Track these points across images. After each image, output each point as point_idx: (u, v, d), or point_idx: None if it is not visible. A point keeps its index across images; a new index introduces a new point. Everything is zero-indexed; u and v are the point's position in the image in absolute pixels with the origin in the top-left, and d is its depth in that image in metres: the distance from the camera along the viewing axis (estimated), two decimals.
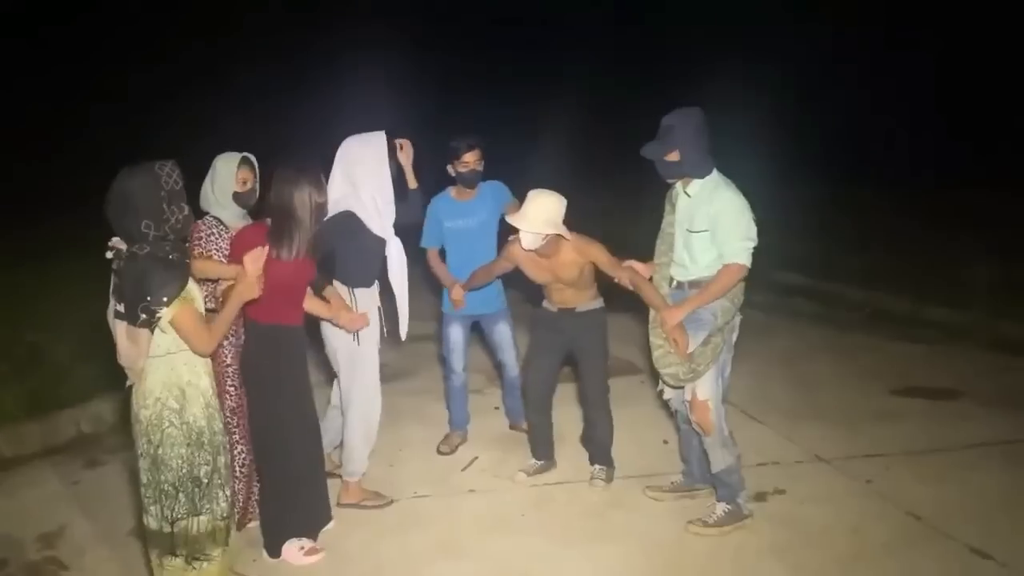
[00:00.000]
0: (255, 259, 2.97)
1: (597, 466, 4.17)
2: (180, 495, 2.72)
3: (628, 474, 4.19)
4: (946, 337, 6.41)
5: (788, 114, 13.46)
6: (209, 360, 2.84)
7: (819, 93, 15.39)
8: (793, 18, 16.24)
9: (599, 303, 4.07)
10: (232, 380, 3.56)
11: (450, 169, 4.29)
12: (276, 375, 3.37)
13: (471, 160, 4.22)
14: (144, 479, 2.74)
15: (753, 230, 3.45)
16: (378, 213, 3.70)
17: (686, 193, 3.55)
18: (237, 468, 3.63)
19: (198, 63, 16.35)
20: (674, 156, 3.46)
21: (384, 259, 3.81)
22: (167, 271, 2.57)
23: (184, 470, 2.71)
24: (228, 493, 2.86)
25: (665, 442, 4.58)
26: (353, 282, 3.75)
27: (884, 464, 4.25)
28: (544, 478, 4.23)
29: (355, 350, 3.73)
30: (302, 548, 3.45)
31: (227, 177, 3.49)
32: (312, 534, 3.53)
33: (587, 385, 4.17)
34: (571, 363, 4.28)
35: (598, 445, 4.19)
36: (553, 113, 13.90)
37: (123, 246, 2.61)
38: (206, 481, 2.75)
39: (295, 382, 3.45)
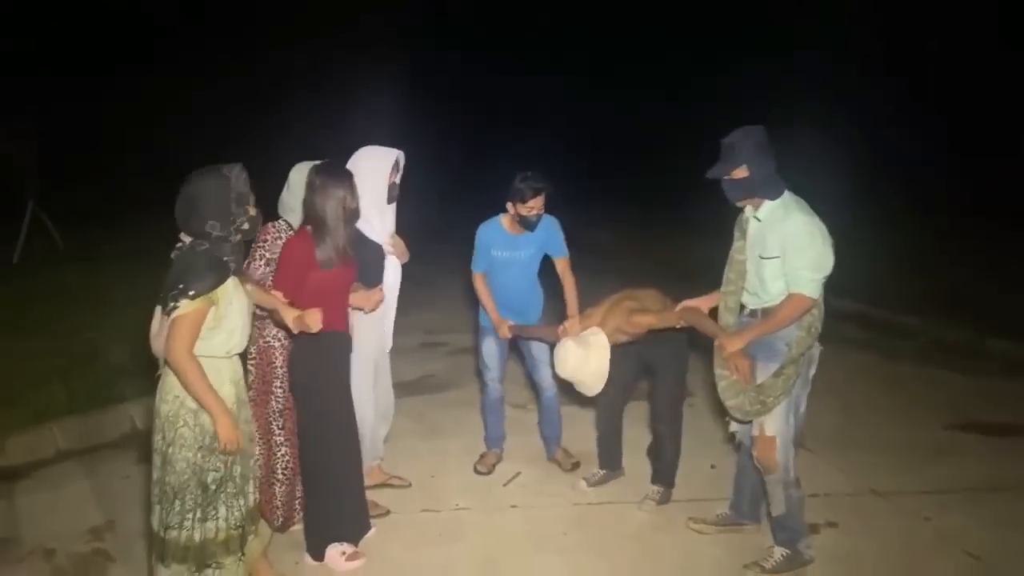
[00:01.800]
0: (316, 321, 3.08)
1: (656, 486, 4.10)
2: (177, 502, 2.70)
3: (674, 499, 4.11)
4: (1005, 370, 6.20)
5: (826, 134, 13.28)
6: (236, 369, 2.84)
7: (859, 110, 15.18)
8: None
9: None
10: (281, 382, 3.59)
11: (510, 208, 4.17)
12: (324, 380, 3.40)
13: (536, 205, 4.10)
14: (154, 476, 2.75)
15: (826, 259, 3.21)
16: (379, 220, 3.77)
17: (756, 217, 3.35)
18: (280, 471, 3.66)
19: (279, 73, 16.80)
20: (741, 172, 3.27)
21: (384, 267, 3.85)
22: (211, 269, 2.60)
23: (187, 475, 2.69)
24: (243, 502, 2.82)
25: (713, 467, 4.49)
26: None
27: (940, 501, 4.10)
28: (588, 497, 4.18)
29: None
30: (344, 553, 3.46)
31: (299, 185, 3.53)
32: (354, 540, 3.54)
33: (658, 399, 4.15)
34: (649, 374, 4.22)
35: (664, 463, 4.13)
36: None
37: (187, 240, 2.67)
38: (213, 488, 2.73)
39: (341, 388, 3.49)
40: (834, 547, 3.68)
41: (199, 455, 2.68)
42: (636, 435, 4.68)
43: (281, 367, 3.58)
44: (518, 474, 4.43)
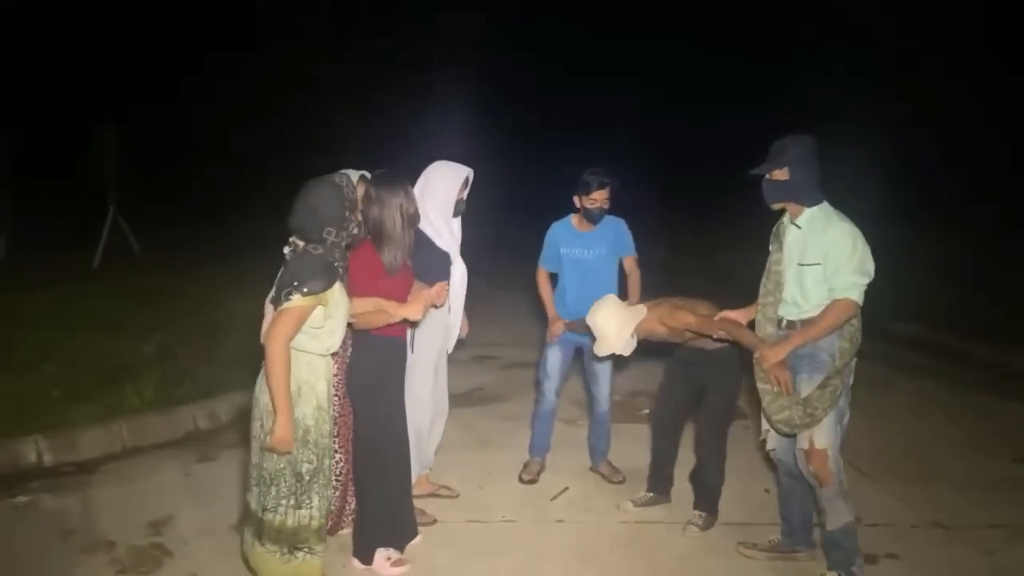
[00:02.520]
0: (417, 310, 3.28)
1: (698, 512, 4.01)
2: (273, 488, 2.85)
3: (725, 521, 4.03)
4: None
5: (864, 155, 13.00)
6: (331, 367, 3.00)
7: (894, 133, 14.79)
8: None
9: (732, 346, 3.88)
10: (336, 390, 3.65)
11: (576, 201, 4.35)
12: (384, 385, 3.48)
13: (599, 198, 4.26)
14: (252, 460, 2.91)
15: (869, 265, 3.25)
16: (447, 231, 3.87)
17: (795, 225, 3.38)
18: (333, 476, 3.73)
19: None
20: (782, 175, 3.31)
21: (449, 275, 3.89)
22: (324, 272, 2.77)
23: (283, 464, 2.84)
24: (329, 494, 3.00)
25: (767, 491, 4.39)
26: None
27: (1007, 535, 3.94)
28: (639, 515, 4.13)
29: (410, 357, 3.76)
30: (389, 559, 3.50)
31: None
32: (400, 546, 3.58)
33: (702, 424, 4.07)
34: (699, 399, 4.13)
35: (704, 488, 4.04)
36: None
37: (301, 243, 2.84)
38: (308, 478, 2.88)
39: (397, 393, 3.55)
40: None
41: (294, 447, 2.82)
42: (684, 457, 4.64)
43: (336, 374, 3.63)
44: (566, 489, 4.42)
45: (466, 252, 4.06)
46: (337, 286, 2.84)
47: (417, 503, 3.81)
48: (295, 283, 2.71)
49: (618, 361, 4.46)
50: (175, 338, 6.24)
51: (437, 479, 4.30)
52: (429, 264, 3.72)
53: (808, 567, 3.61)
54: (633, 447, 4.79)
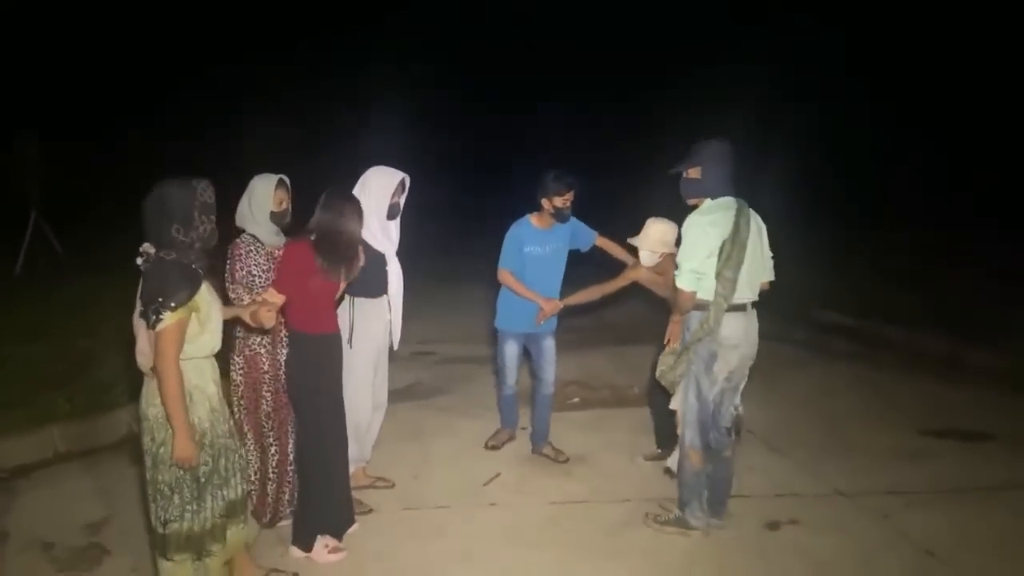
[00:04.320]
0: (270, 318, 3.28)
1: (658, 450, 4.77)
2: (175, 496, 2.87)
3: (647, 496, 4.29)
4: (986, 380, 6.33)
5: (793, 153, 13.68)
6: (216, 368, 2.99)
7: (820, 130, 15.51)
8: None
9: None
10: (269, 386, 3.76)
11: (545, 203, 4.55)
12: (319, 380, 3.58)
13: (569, 198, 4.54)
14: (147, 476, 2.90)
15: (694, 257, 3.60)
16: (382, 233, 4.01)
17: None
18: (270, 469, 3.84)
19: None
20: (695, 173, 3.70)
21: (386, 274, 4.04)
22: (185, 279, 2.75)
23: (181, 471, 2.85)
24: (226, 493, 2.98)
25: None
26: (353, 291, 3.94)
27: (905, 501, 4.26)
28: (565, 496, 4.34)
29: (350, 354, 3.89)
30: (327, 546, 3.63)
31: (265, 197, 3.69)
32: (338, 534, 3.71)
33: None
34: None
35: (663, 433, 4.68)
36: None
37: (152, 251, 2.81)
38: (203, 480, 2.90)
39: (335, 386, 3.67)
40: (793, 542, 3.85)
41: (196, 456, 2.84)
42: (625, 440, 4.99)
43: (268, 372, 3.76)
44: (498, 475, 4.60)
45: (410, 250, 4.21)
46: (204, 287, 2.83)
47: (355, 494, 3.94)
48: (160, 299, 2.69)
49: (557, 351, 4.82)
50: (102, 342, 6.19)
51: (373, 471, 4.43)
52: (366, 266, 3.81)
53: (719, 540, 3.88)
54: (570, 433, 5.09)
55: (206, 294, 2.84)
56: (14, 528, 3.89)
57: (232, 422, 3.12)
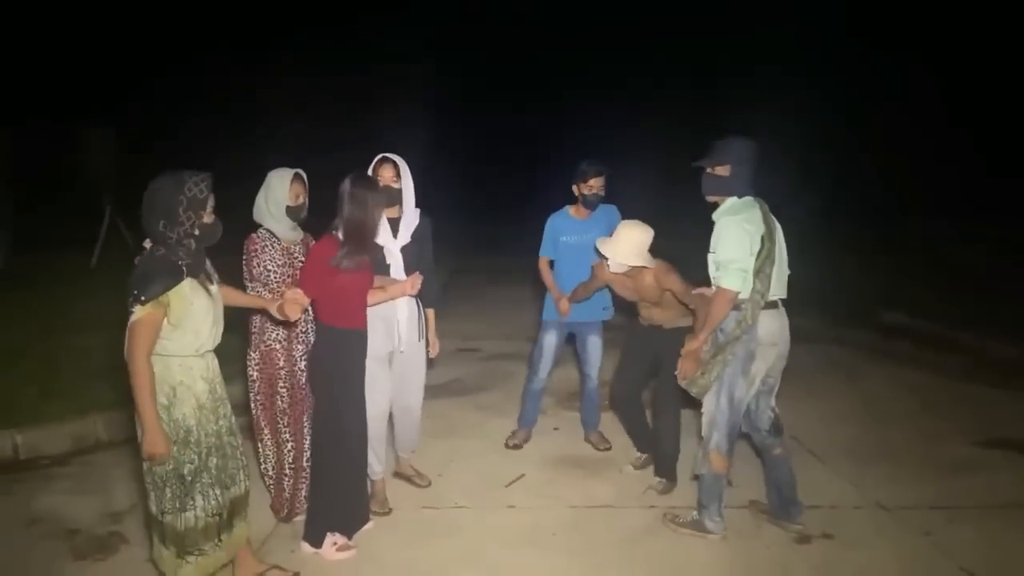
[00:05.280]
0: (296, 310, 3.27)
1: (658, 479, 4.36)
2: (167, 489, 2.87)
3: (674, 504, 4.15)
4: None
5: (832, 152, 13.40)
6: (208, 365, 2.96)
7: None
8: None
9: (686, 322, 4.14)
10: (284, 382, 3.78)
11: (575, 189, 4.64)
12: (342, 375, 3.57)
13: (596, 185, 4.57)
14: (144, 467, 2.90)
15: (741, 254, 3.46)
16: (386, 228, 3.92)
17: (712, 218, 3.65)
18: (286, 465, 3.87)
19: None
20: (723, 171, 3.58)
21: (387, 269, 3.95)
22: (162, 274, 2.71)
23: (170, 466, 2.84)
24: (220, 491, 2.96)
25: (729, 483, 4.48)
26: None
27: (948, 516, 4.00)
28: (586, 500, 4.24)
29: None
30: (335, 544, 3.62)
31: (281, 191, 3.70)
32: (349, 532, 3.70)
33: (661, 395, 4.34)
34: (654, 375, 4.42)
35: (662, 456, 4.36)
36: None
37: (147, 245, 2.82)
38: (190, 479, 2.87)
39: (356, 383, 3.65)
40: (822, 558, 3.65)
41: (175, 448, 2.84)
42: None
43: (283, 368, 3.78)
44: (522, 476, 4.53)
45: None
46: (187, 284, 2.78)
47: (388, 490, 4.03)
48: (135, 291, 2.67)
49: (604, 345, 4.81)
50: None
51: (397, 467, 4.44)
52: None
53: (748, 546, 3.72)
54: (604, 434, 5.01)
55: (187, 291, 2.79)
56: (45, 514, 4.03)
57: (233, 420, 3.11)
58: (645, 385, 4.52)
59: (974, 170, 14.19)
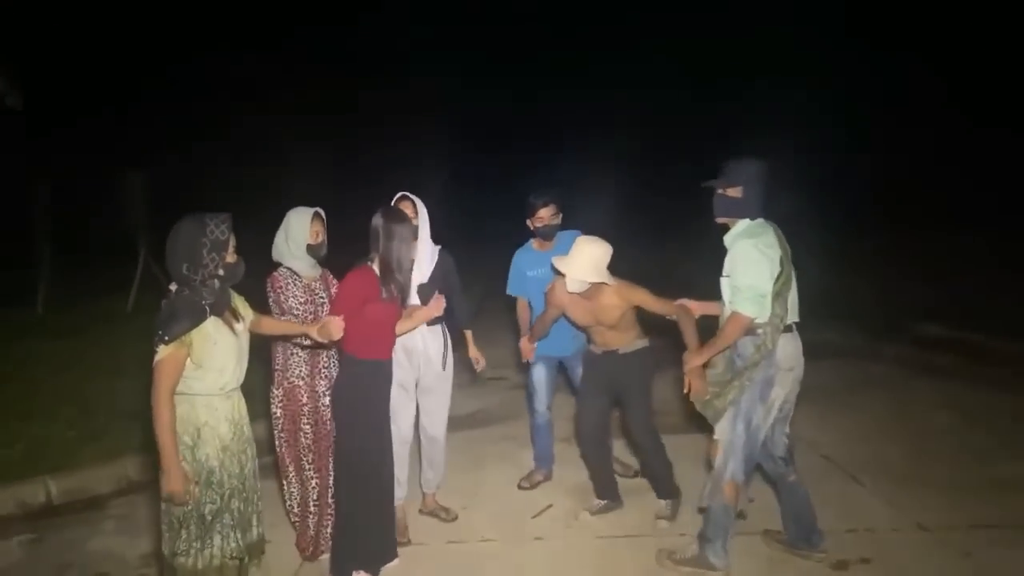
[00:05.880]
0: (338, 328, 3.27)
1: (663, 502, 4.26)
2: (182, 531, 2.88)
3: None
4: None
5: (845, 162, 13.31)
6: (234, 406, 2.98)
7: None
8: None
9: (642, 343, 4.12)
10: (308, 419, 3.80)
11: (529, 224, 4.49)
12: (368, 405, 3.59)
13: (546, 215, 4.42)
14: (162, 507, 2.93)
15: (760, 280, 3.39)
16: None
17: (724, 239, 3.59)
18: (311, 502, 3.87)
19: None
20: (736, 193, 3.52)
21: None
22: (186, 315, 2.77)
23: (189, 506, 2.86)
24: (240, 534, 2.96)
25: (751, 500, 4.38)
26: None
27: (989, 537, 3.87)
28: (614, 530, 4.17)
29: None
30: None
31: (301, 230, 3.75)
32: (374, 568, 3.68)
33: (632, 423, 4.23)
34: (618, 403, 4.32)
35: (656, 478, 4.29)
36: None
37: (172, 288, 2.88)
38: (210, 519, 2.88)
39: (381, 415, 3.67)
40: None
41: (196, 488, 2.86)
42: (690, 469, 4.67)
43: (307, 404, 3.79)
44: (549, 506, 4.48)
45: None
46: (211, 324, 2.81)
47: (411, 523, 4.04)
48: (159, 332, 2.72)
49: None
50: None
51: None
52: None
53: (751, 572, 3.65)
54: (632, 459, 4.91)
55: (210, 330, 2.83)
56: (77, 559, 4.08)
57: (256, 463, 3.12)
58: (609, 416, 4.37)
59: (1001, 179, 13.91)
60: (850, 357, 7.12)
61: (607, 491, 4.37)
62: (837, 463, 4.86)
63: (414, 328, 3.89)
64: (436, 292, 3.97)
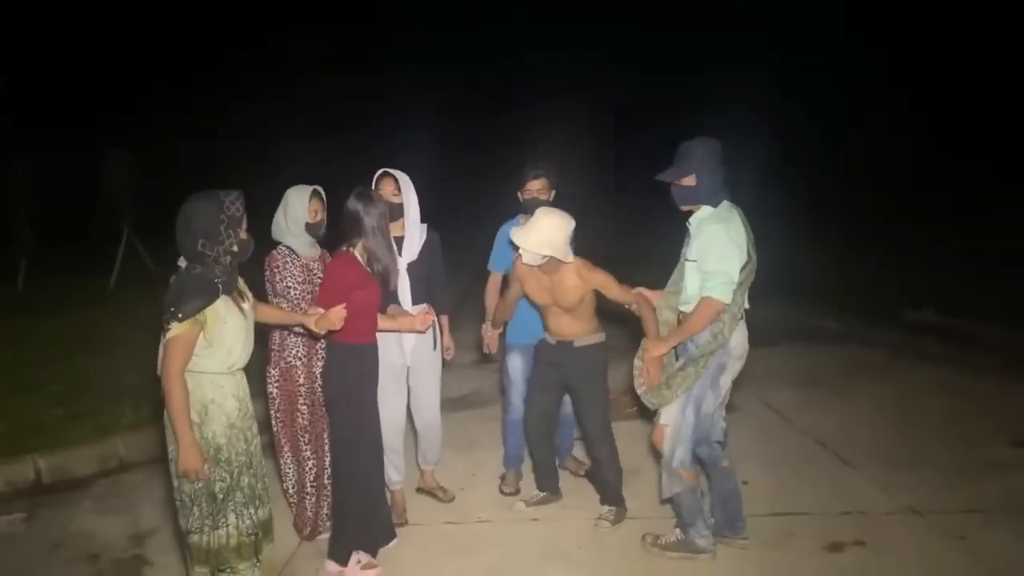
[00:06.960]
0: (340, 317, 3.22)
1: (606, 507, 4.09)
2: (194, 508, 2.86)
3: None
4: None
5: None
6: (238, 384, 2.95)
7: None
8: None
9: (598, 338, 3.96)
10: (305, 399, 3.76)
11: (519, 195, 4.28)
12: (359, 390, 3.56)
13: (534, 188, 4.19)
14: (174, 483, 2.91)
15: (730, 265, 3.32)
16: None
17: (688, 223, 3.52)
18: (308, 483, 3.84)
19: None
20: (690, 181, 3.41)
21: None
22: (199, 292, 2.74)
23: (200, 484, 2.83)
24: (254, 511, 2.95)
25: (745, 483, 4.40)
26: None
27: (983, 520, 3.90)
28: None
29: None
30: (359, 562, 3.58)
31: (299, 208, 3.70)
32: (373, 549, 3.66)
33: (587, 424, 4.09)
34: (571, 400, 4.21)
35: (604, 485, 4.13)
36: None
37: (183, 265, 2.83)
38: (221, 497, 2.86)
39: (371, 397, 3.63)
40: (854, 566, 3.57)
41: (205, 466, 2.83)
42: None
43: (303, 385, 3.76)
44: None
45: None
46: (221, 302, 2.78)
47: (409, 503, 4.03)
48: (171, 309, 2.70)
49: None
50: None
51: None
52: None
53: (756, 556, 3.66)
54: (627, 444, 4.81)
55: (221, 309, 2.80)
56: (68, 539, 4.03)
57: (259, 441, 3.09)
58: (557, 411, 4.22)
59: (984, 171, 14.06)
60: (843, 343, 7.16)
61: (547, 483, 4.27)
62: (830, 448, 4.89)
63: (394, 331, 3.82)
64: (425, 306, 3.95)
